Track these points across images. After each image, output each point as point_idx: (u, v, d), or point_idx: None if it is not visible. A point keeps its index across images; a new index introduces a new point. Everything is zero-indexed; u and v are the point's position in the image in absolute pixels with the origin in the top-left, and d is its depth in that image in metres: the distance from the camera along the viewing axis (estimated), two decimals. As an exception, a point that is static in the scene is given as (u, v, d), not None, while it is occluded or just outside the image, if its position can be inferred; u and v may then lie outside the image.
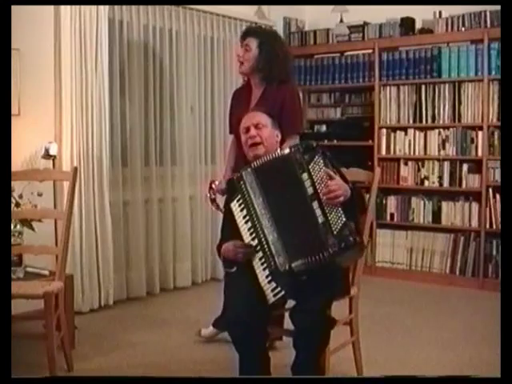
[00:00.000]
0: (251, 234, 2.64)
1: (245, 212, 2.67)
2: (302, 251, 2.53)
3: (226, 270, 2.82)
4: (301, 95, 5.88)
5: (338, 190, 2.55)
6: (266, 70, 3.44)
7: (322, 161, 2.61)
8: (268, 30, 3.71)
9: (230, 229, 2.76)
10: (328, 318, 2.59)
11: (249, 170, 2.70)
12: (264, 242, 2.59)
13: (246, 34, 3.55)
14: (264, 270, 2.59)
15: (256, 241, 2.62)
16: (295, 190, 2.60)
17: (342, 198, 2.55)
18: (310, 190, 2.57)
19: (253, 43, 3.46)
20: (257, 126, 2.84)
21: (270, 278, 2.57)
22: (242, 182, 2.70)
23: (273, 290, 2.56)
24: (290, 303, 2.72)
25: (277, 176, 2.66)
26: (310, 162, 2.61)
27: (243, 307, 2.57)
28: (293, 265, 2.51)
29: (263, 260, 2.59)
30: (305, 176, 2.59)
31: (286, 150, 2.70)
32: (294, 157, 2.64)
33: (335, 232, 2.49)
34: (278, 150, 2.77)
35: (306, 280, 2.54)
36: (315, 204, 2.55)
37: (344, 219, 2.52)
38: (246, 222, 2.66)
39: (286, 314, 2.85)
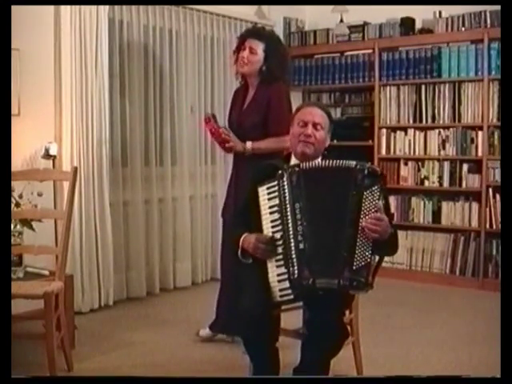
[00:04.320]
0: (274, 227, 2.58)
1: (273, 202, 2.59)
2: (329, 271, 2.49)
3: (242, 260, 2.72)
4: (300, 95, 5.98)
5: (379, 228, 2.47)
6: (267, 73, 3.47)
7: (378, 192, 2.51)
8: (271, 33, 3.70)
9: (251, 214, 2.67)
10: (343, 327, 2.60)
11: (296, 168, 2.60)
12: (290, 246, 2.52)
13: (249, 35, 3.52)
14: (277, 267, 2.56)
15: (278, 235, 2.57)
16: (338, 207, 2.53)
17: (377, 235, 2.48)
18: (353, 216, 2.49)
19: (258, 46, 3.46)
20: (315, 126, 2.74)
21: (281, 277, 2.54)
22: (285, 175, 2.57)
23: (281, 291, 2.54)
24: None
25: (326, 185, 2.58)
26: (368, 188, 2.51)
27: (255, 304, 2.56)
28: (317, 281, 2.47)
29: (281, 261, 2.55)
30: (355, 199, 2.50)
31: (352, 163, 2.55)
32: (354, 174, 2.53)
33: (354, 267, 2.46)
34: (342, 161, 2.59)
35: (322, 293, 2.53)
36: (350, 231, 2.49)
37: (368, 260, 2.48)
38: (272, 213, 2.59)
39: (284, 315, 2.86)
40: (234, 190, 3.55)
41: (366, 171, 2.53)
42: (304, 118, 2.77)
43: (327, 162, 2.62)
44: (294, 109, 3.03)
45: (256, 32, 3.59)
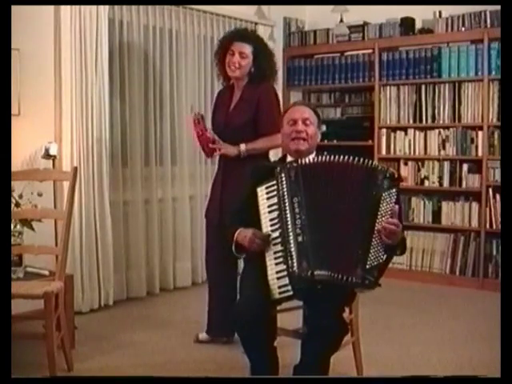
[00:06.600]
0: (273, 225, 2.59)
1: (272, 201, 2.61)
2: (329, 263, 2.49)
3: (236, 255, 2.75)
4: (300, 95, 5.98)
5: (393, 234, 2.50)
6: (256, 73, 3.49)
7: (395, 196, 2.56)
8: (255, 34, 3.76)
9: (249, 214, 2.69)
10: (343, 323, 2.60)
11: (294, 164, 2.63)
12: (288, 240, 2.52)
13: (235, 39, 3.51)
14: (277, 265, 2.56)
15: (277, 233, 2.58)
16: (355, 206, 2.55)
17: (390, 242, 2.51)
18: (369, 216, 2.51)
19: (247, 49, 3.47)
20: (305, 122, 2.81)
21: (280, 274, 2.54)
22: (282, 172, 2.61)
23: (280, 287, 2.54)
24: (284, 305, 2.72)
25: (335, 182, 2.59)
26: (387, 190, 2.54)
27: (253, 303, 2.56)
28: (315, 272, 2.47)
29: (280, 258, 2.55)
30: (374, 200, 2.53)
31: (375, 162, 2.62)
32: (376, 174, 2.57)
33: (367, 267, 2.47)
34: (365, 160, 2.61)
35: (321, 287, 2.53)
36: (366, 231, 2.50)
37: (381, 261, 2.50)
38: (271, 212, 2.61)
39: (284, 315, 2.86)
40: (219, 190, 3.55)
41: (387, 173, 2.57)
42: (293, 116, 2.84)
43: (324, 158, 2.65)
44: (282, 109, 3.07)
45: (242, 35, 3.57)
